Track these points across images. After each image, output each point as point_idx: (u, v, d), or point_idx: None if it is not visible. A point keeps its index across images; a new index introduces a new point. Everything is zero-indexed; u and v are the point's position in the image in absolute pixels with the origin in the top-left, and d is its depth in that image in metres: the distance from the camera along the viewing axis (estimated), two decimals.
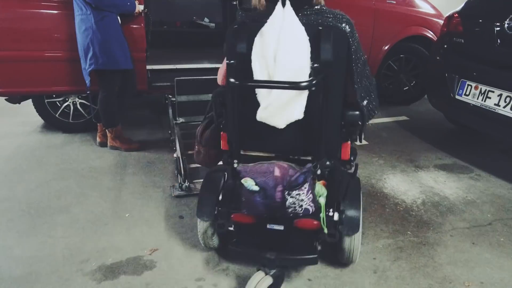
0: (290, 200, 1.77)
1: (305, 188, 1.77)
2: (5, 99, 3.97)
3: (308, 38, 1.69)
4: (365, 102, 1.89)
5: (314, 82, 1.64)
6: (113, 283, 2.08)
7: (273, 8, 1.70)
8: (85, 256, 2.28)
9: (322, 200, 1.86)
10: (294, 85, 1.64)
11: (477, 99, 3.25)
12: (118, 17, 3.36)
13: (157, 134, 4.10)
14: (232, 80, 1.70)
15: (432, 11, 4.93)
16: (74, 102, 4.04)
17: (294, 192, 1.76)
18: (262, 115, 1.76)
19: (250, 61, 1.73)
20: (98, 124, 3.76)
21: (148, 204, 2.81)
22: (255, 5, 1.86)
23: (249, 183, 1.79)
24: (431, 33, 4.83)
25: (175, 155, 3.32)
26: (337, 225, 1.89)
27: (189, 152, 3.00)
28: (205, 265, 2.22)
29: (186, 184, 2.93)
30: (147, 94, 4.45)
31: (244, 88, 1.79)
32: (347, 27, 1.78)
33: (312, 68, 1.69)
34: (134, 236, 2.46)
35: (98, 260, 2.25)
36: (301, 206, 1.78)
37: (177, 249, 2.35)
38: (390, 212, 2.73)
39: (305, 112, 1.75)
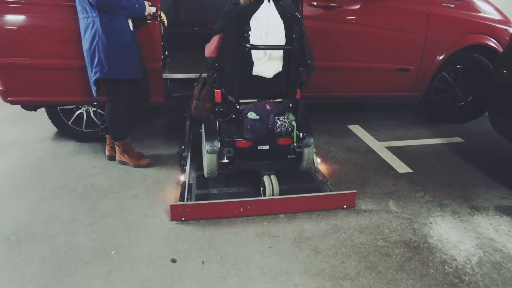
0: (279, 122, 2.73)
1: (286, 115, 2.77)
2: (21, 106, 3.77)
3: (282, 21, 2.67)
4: (309, 62, 2.82)
5: (295, 45, 2.68)
6: None
7: (257, 3, 2.65)
8: None
9: (294, 123, 2.80)
10: (285, 47, 2.69)
11: None
12: (130, 22, 3.00)
13: (173, 148, 3.70)
14: (248, 45, 2.59)
15: (497, 17, 4.18)
16: (88, 111, 3.76)
17: (282, 117, 2.74)
18: (258, 70, 2.72)
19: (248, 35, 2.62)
20: (107, 136, 3.43)
21: (140, 240, 2.40)
22: (243, 1, 2.74)
23: (253, 115, 2.69)
24: (495, 42, 4.09)
25: (182, 177, 2.98)
26: (301, 140, 2.83)
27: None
28: None
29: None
30: (166, 106, 4.06)
31: (245, 52, 2.64)
32: (298, 15, 2.77)
33: (290, 39, 2.69)
34: (113, 283, 2.05)
35: None
36: (285, 126, 2.74)
37: None
38: (435, 274, 2.13)
39: (282, 67, 2.75)
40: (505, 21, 4.20)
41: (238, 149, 2.77)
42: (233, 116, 2.87)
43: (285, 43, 2.69)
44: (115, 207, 2.74)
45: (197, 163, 3.26)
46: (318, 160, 3.28)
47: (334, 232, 2.47)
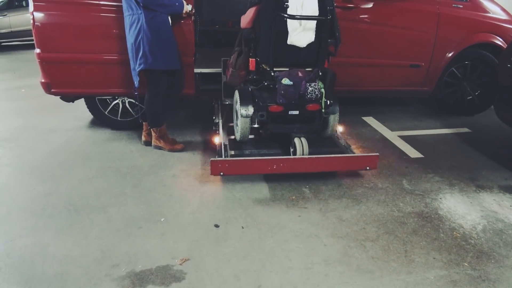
0: (310, 88, 3.01)
1: (316, 82, 3.04)
2: (60, 98, 4.09)
3: None
4: (337, 34, 3.09)
5: (329, 16, 2.95)
6: None
7: None
8: (116, 261, 2.23)
9: (323, 90, 3.07)
10: (320, 18, 2.96)
11: None
12: (169, 18, 3.32)
13: (204, 136, 4.03)
14: (286, 15, 2.86)
15: (503, 16, 4.47)
16: (123, 101, 4.10)
17: (313, 83, 3.01)
18: (292, 39, 2.99)
19: (285, 6, 2.88)
20: (143, 123, 3.76)
21: (184, 210, 2.73)
22: None
23: (286, 81, 2.96)
24: (501, 40, 4.37)
25: (217, 139, 3.34)
26: (328, 107, 3.10)
27: (230, 124, 3.69)
28: (236, 282, 2.08)
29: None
30: (195, 98, 4.38)
31: (282, 21, 2.91)
32: None
33: (322, 11, 2.96)
34: (167, 243, 2.38)
35: (128, 266, 2.19)
36: (315, 92, 3.02)
37: (208, 261, 2.23)
38: (445, 238, 2.45)
39: (314, 37, 3.02)
40: (511, 21, 4.48)
41: (271, 113, 3.04)
42: (265, 83, 3.15)
43: (318, 15, 2.95)
44: (157, 184, 3.08)
45: (227, 129, 3.60)
46: (340, 128, 3.57)
47: (355, 205, 2.79)
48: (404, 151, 3.70)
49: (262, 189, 2.98)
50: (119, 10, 3.39)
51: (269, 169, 2.93)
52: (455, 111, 4.69)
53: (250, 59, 3.21)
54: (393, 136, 4.05)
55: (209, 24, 5.39)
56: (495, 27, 4.39)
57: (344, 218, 2.63)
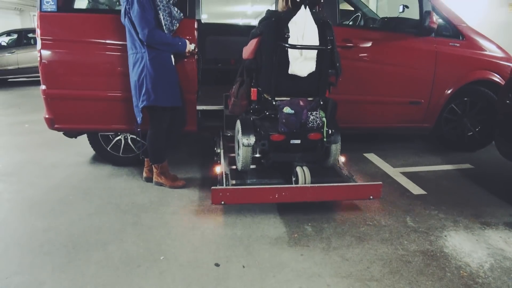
0: (311, 117, 3.02)
1: (318, 110, 3.07)
2: (63, 133, 4.13)
3: (316, 26, 2.98)
4: (337, 64, 3.10)
5: (329, 47, 3.00)
6: None
7: (294, 10, 2.98)
8: None
9: (324, 119, 3.08)
10: (321, 48, 3.00)
11: None
12: (172, 56, 3.40)
13: (205, 172, 4.02)
14: (287, 44, 2.91)
15: (499, 54, 4.55)
16: (125, 137, 4.12)
17: (314, 112, 3.04)
18: (293, 69, 3.01)
19: (286, 37, 2.92)
20: (145, 159, 3.76)
21: (184, 248, 2.68)
22: (281, 9, 3.10)
23: (288, 109, 2.99)
24: (499, 77, 4.44)
25: (218, 169, 3.33)
26: (330, 136, 3.10)
27: (231, 155, 3.72)
28: None
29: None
30: (197, 134, 4.41)
31: (284, 51, 2.96)
32: (330, 22, 3.09)
33: (323, 41, 3.00)
34: (166, 283, 2.32)
35: None
36: (317, 121, 3.03)
37: None
38: (451, 277, 2.38)
39: (315, 67, 3.05)
40: (507, 58, 4.56)
41: (272, 142, 3.05)
42: (267, 113, 3.17)
43: (319, 45, 2.98)
44: (157, 221, 3.04)
45: (229, 160, 3.59)
46: (342, 159, 3.55)
47: (358, 243, 2.73)
48: (407, 187, 3.67)
49: (263, 227, 2.94)
50: (123, 48, 3.48)
51: (271, 198, 2.90)
52: (456, 147, 4.70)
53: (252, 89, 3.25)
54: (395, 173, 4.03)
55: (211, 63, 5.52)
56: (492, 64, 4.47)
57: (348, 257, 2.57)
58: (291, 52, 2.96)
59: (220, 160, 3.50)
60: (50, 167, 4.19)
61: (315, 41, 2.98)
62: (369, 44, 4.17)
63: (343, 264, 2.50)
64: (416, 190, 3.62)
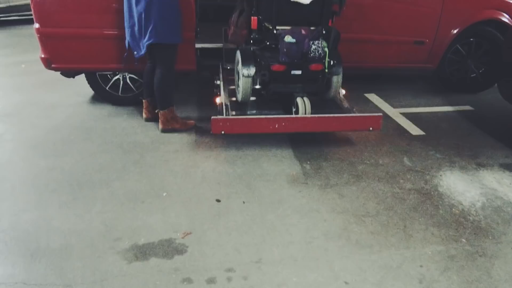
0: (313, 46, 2.96)
1: (320, 40, 3.01)
2: (60, 73, 4.07)
3: None
4: None
5: None
6: (143, 264, 2.05)
7: None
8: (119, 234, 2.27)
9: (326, 50, 3.03)
10: None
11: None
12: None
13: (206, 111, 3.98)
14: None
15: None
16: (124, 76, 4.06)
17: (316, 42, 2.98)
18: None
19: None
20: (143, 100, 3.69)
21: (186, 185, 2.75)
22: None
23: (289, 38, 2.90)
24: (508, 17, 4.29)
25: (218, 100, 3.33)
26: (331, 67, 3.07)
27: (231, 87, 3.68)
28: (237, 254, 2.12)
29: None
30: (197, 73, 4.33)
31: None
32: None
33: None
34: (169, 217, 2.42)
35: (131, 239, 2.23)
36: (318, 51, 2.98)
37: (210, 234, 2.27)
38: (443, 214, 2.47)
39: None
40: None
41: (273, 73, 3.01)
42: (267, 43, 3.12)
43: None
44: (159, 159, 3.09)
45: (229, 92, 3.59)
46: (343, 91, 3.54)
47: (355, 181, 2.81)
48: (406, 128, 3.70)
49: (263, 165, 3.00)
50: None
51: (271, 128, 2.92)
52: (458, 88, 4.66)
53: (252, 17, 3.14)
54: (395, 113, 4.03)
55: None
56: (501, 4, 4.30)
57: (344, 193, 2.66)
58: None
59: (220, 92, 3.48)
60: (50, 107, 4.18)
61: None
62: None
63: (340, 200, 2.58)
64: (415, 130, 3.65)
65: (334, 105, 3.40)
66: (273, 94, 3.23)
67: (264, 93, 3.27)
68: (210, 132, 3.28)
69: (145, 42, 3.22)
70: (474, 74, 4.57)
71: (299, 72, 3.02)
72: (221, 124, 2.89)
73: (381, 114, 3.07)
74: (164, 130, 3.53)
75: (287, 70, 3.00)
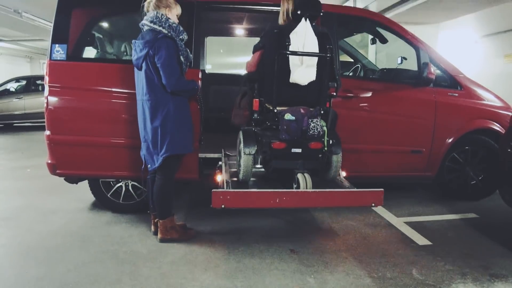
0: (312, 125, 3.04)
1: (318, 118, 3.09)
2: (65, 179, 4.11)
3: (316, 37, 3.07)
4: (337, 77, 3.23)
5: (329, 55, 3.10)
6: None
7: (295, 22, 3.09)
8: None
9: (325, 129, 3.12)
10: (321, 55, 3.09)
11: None
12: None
13: (206, 222, 3.95)
14: (288, 51, 3.01)
15: (498, 103, 4.62)
16: (126, 184, 4.09)
17: (314, 120, 3.06)
18: (294, 77, 3.08)
19: (287, 45, 3.02)
20: (152, 214, 3.55)
21: None
22: (282, 22, 3.21)
23: (289, 116, 3.02)
24: (498, 125, 4.48)
25: (219, 177, 3.36)
26: (331, 146, 3.16)
27: (232, 169, 3.69)
28: None
29: None
30: (199, 182, 4.34)
31: (285, 59, 3.04)
32: (329, 34, 3.21)
33: (325, 50, 3.10)
34: None
35: None
36: (317, 129, 3.05)
37: None
38: None
39: (315, 76, 3.12)
40: (506, 107, 4.62)
41: (274, 150, 3.07)
42: (268, 124, 3.19)
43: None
44: (155, 271, 2.95)
45: (230, 173, 3.52)
46: (343, 173, 3.51)
47: None
48: (411, 238, 3.59)
49: (265, 278, 2.84)
50: (128, 96, 3.54)
51: (272, 203, 2.85)
52: (459, 196, 4.65)
53: (254, 99, 3.28)
54: (398, 223, 3.95)
55: (214, 111, 5.57)
56: (491, 113, 4.52)
57: None
58: (292, 60, 3.04)
59: (223, 169, 3.52)
60: (49, 212, 4.14)
61: (315, 50, 3.07)
62: (369, 94, 4.23)
63: None
64: (421, 240, 3.54)
65: (335, 186, 3.36)
66: (274, 171, 3.26)
67: (265, 170, 3.31)
68: (209, 243, 3.20)
69: (161, 154, 3.21)
70: (475, 181, 4.60)
71: (299, 150, 3.09)
72: (221, 197, 2.81)
73: (382, 189, 3.00)
74: (162, 240, 3.40)
75: (288, 147, 3.08)
